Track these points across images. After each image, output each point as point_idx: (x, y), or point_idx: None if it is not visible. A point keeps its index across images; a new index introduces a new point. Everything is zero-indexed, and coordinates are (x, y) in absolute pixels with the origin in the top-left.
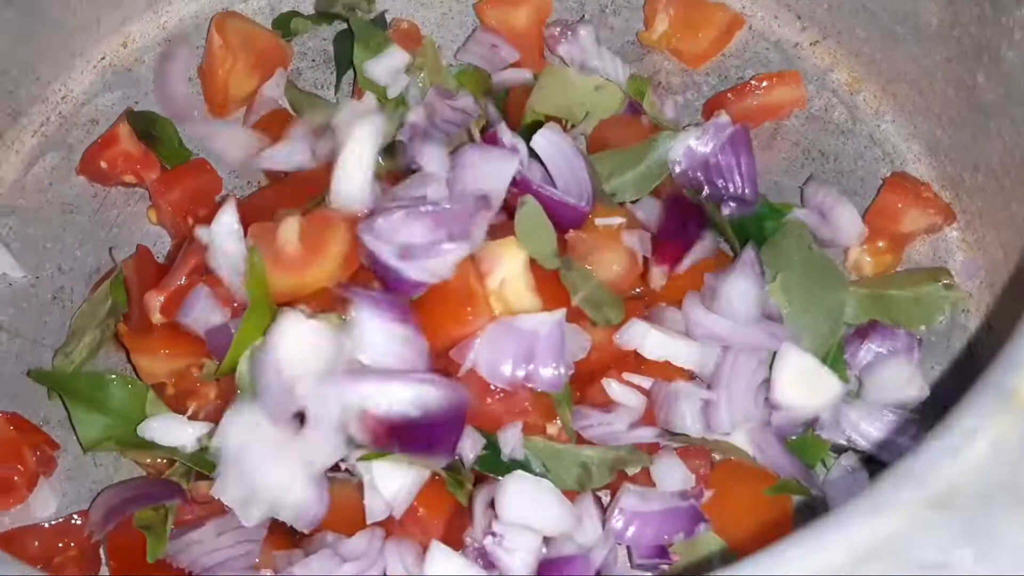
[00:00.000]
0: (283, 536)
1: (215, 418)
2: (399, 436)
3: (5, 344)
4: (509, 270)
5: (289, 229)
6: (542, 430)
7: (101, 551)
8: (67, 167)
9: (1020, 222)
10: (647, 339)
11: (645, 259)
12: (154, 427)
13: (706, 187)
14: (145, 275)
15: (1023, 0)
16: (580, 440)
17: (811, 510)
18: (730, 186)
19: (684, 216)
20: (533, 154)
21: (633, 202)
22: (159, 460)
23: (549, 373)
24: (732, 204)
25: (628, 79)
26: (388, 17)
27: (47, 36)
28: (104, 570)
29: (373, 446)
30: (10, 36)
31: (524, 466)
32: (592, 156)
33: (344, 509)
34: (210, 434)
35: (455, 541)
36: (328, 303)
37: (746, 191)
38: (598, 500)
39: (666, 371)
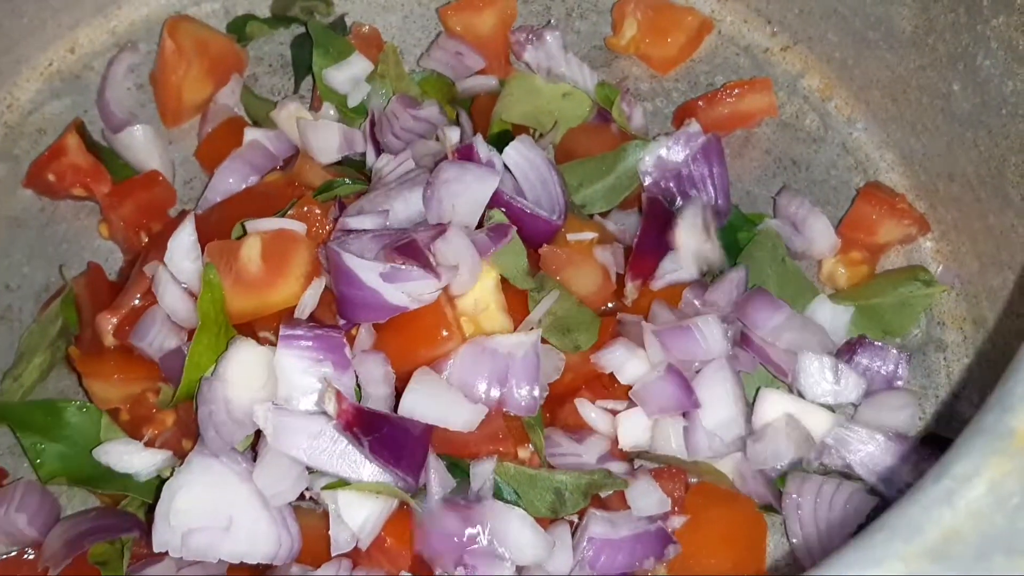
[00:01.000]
0: (247, 569)
1: (173, 446)
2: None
3: None
4: (480, 291)
5: (251, 247)
6: (514, 455)
7: None
8: (13, 180)
9: (996, 233)
10: (626, 365)
11: (619, 274)
12: (110, 452)
13: (678, 198)
14: (97, 294)
15: (999, 9)
16: (549, 465)
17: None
18: (703, 197)
19: (660, 228)
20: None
21: (603, 214)
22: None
23: (524, 396)
24: None
25: (596, 86)
26: (348, 21)
27: None
28: None
29: (345, 431)
30: None
31: (496, 493)
32: (561, 166)
33: (309, 540)
34: (169, 465)
35: (424, 572)
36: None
37: (719, 202)
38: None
39: None
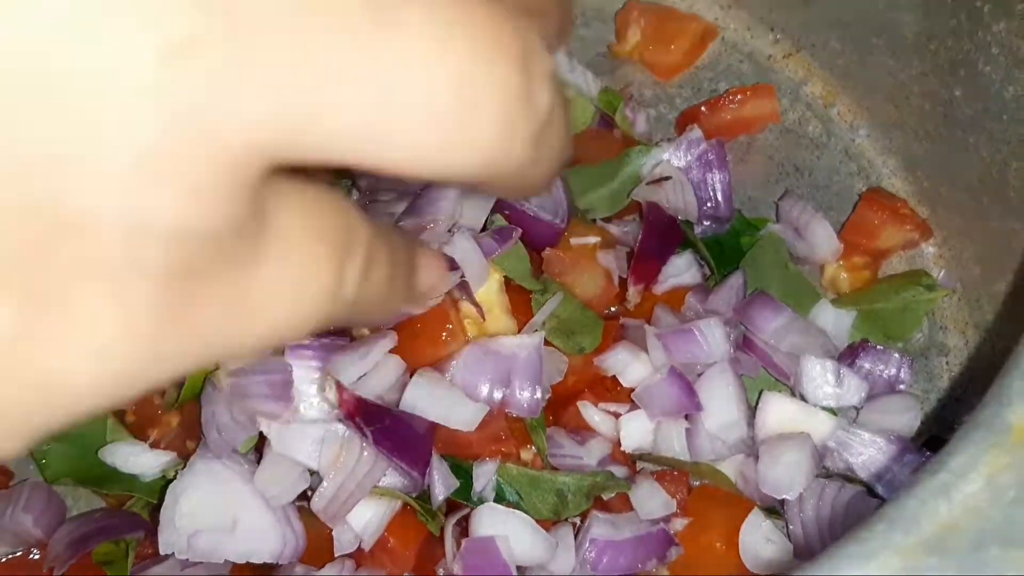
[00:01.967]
0: (250, 569)
1: (178, 447)
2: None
3: None
4: (484, 292)
5: None
6: (516, 457)
7: None
8: None
9: (998, 238)
10: (629, 368)
11: (622, 278)
12: (115, 453)
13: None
14: None
15: (1000, 15)
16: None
17: None
18: (706, 203)
19: (662, 234)
20: None
21: (607, 219)
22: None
23: (527, 397)
24: (706, 222)
25: (600, 92)
26: None
27: None
28: None
29: (347, 419)
30: None
31: (498, 495)
32: (564, 171)
33: (313, 541)
34: (174, 466)
35: (427, 572)
36: None
37: (722, 208)
38: (571, 524)
39: None
